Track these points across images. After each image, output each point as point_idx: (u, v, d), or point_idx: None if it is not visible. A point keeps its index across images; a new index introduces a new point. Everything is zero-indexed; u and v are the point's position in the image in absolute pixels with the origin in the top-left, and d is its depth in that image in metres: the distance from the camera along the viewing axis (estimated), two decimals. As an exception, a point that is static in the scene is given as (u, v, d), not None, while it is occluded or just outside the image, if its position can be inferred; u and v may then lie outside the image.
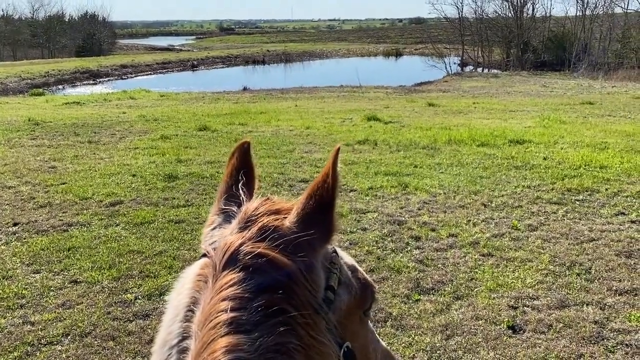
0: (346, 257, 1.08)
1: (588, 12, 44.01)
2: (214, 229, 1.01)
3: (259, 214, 0.95)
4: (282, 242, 0.90)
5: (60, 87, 32.96)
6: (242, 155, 1.11)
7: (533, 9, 47.11)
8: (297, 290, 0.87)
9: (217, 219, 1.03)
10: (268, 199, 0.99)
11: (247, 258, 0.87)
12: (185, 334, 0.86)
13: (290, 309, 0.84)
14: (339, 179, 0.96)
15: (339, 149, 0.96)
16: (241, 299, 0.83)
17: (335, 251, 1.02)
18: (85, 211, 6.17)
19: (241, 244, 0.89)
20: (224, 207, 1.03)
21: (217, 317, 0.82)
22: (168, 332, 0.89)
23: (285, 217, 0.95)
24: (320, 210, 0.94)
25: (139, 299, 4.25)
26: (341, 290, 0.99)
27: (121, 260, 4.92)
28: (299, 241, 0.91)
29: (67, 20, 71.06)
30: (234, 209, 1.01)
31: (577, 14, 45.37)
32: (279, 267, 0.87)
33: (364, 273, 1.11)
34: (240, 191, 1.04)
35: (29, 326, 3.87)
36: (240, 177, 1.07)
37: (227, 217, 1.01)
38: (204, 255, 0.95)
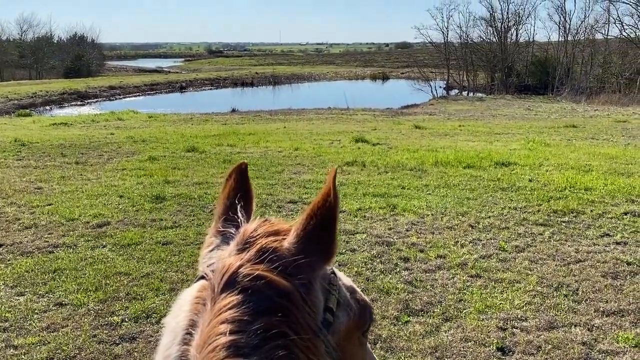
0: (344, 278, 1.09)
1: (570, 38, 45.09)
2: (211, 250, 1.01)
3: (257, 235, 0.94)
4: (281, 263, 0.89)
5: (47, 108, 32.77)
6: (239, 177, 1.11)
7: (517, 34, 48.21)
8: (296, 313, 0.87)
9: (215, 240, 1.03)
10: (266, 220, 0.99)
11: (245, 280, 0.87)
12: (183, 357, 0.85)
13: (290, 332, 0.84)
14: (339, 199, 0.96)
15: (336, 170, 0.97)
16: (240, 322, 0.82)
17: (333, 272, 1.02)
18: (71, 232, 6.10)
19: (240, 266, 0.88)
20: (222, 228, 1.03)
21: (216, 340, 0.81)
22: (166, 356, 0.88)
23: (284, 238, 0.95)
24: (321, 231, 0.94)
25: (126, 321, 4.19)
26: (340, 312, 0.99)
27: (107, 282, 4.85)
28: (298, 262, 0.91)
29: (55, 41, 71.05)
30: (232, 230, 1.01)
31: (560, 40, 46.48)
32: (278, 289, 0.87)
33: (362, 294, 1.12)
34: (239, 213, 1.04)
35: (12, 350, 3.78)
36: (237, 199, 1.07)
37: (225, 238, 1.01)
38: (202, 277, 0.95)
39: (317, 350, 0.88)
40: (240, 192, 1.09)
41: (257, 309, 0.84)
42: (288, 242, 0.94)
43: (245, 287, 0.86)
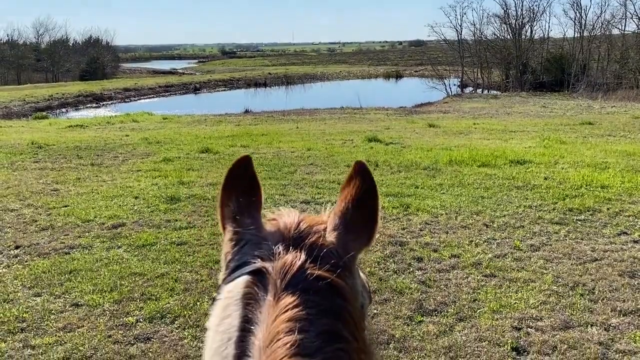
0: None
1: (586, 34, 44.48)
2: (243, 246, 1.00)
3: (302, 231, 0.97)
4: (334, 262, 0.93)
5: (63, 110, 33.23)
6: (246, 169, 1.10)
7: (531, 31, 47.64)
8: (350, 310, 0.90)
9: (242, 237, 1.01)
10: (300, 214, 1.02)
11: (308, 280, 0.89)
12: (241, 354, 0.84)
13: (348, 336, 0.87)
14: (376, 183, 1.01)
15: (363, 162, 1.02)
16: (305, 321, 0.84)
17: None
18: (87, 234, 6.18)
19: (301, 266, 0.91)
20: (248, 225, 1.02)
21: (285, 337, 0.82)
22: (223, 357, 0.86)
23: (326, 232, 0.98)
24: (362, 218, 0.99)
25: (141, 322, 4.23)
26: (364, 292, 1.03)
27: (123, 282, 4.90)
28: (346, 257, 0.95)
29: (71, 44, 72.02)
30: (259, 227, 1.02)
31: (575, 36, 45.88)
32: (336, 289, 0.90)
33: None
34: (256, 206, 1.06)
35: (29, 350, 3.84)
36: (249, 192, 1.07)
37: (257, 235, 1.00)
38: (251, 272, 0.93)
39: (370, 350, 0.92)
40: (250, 184, 1.09)
41: (319, 309, 0.86)
42: (333, 236, 0.98)
43: (306, 287, 0.88)
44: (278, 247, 0.95)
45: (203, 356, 0.94)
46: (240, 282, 0.93)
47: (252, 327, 0.85)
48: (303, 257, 0.92)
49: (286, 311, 0.84)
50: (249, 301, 0.89)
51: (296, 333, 0.82)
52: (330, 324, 0.85)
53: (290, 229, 0.98)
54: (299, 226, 0.98)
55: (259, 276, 0.92)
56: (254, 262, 0.94)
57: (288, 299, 0.86)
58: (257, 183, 1.10)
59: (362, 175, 1.00)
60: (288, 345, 0.81)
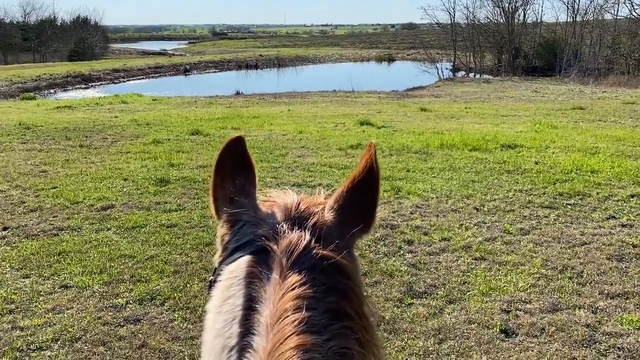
0: None
1: (578, 19, 44.40)
2: (241, 227, 0.99)
3: (304, 211, 0.98)
4: (337, 242, 0.94)
5: (51, 91, 32.75)
6: (239, 151, 1.08)
7: (524, 15, 47.44)
8: (355, 290, 0.91)
9: (241, 218, 1.01)
10: (298, 195, 1.03)
11: (314, 259, 0.90)
12: (246, 332, 0.84)
13: (353, 314, 0.88)
14: (379, 171, 1.01)
15: (374, 144, 1.01)
16: (312, 299, 0.84)
17: None
18: (76, 215, 6.12)
19: (306, 246, 0.91)
20: (245, 206, 1.02)
21: (292, 314, 0.82)
22: (227, 337, 0.86)
23: (328, 213, 0.99)
24: (365, 205, 1.00)
25: (130, 303, 4.22)
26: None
27: (112, 264, 4.88)
28: (347, 238, 0.97)
29: (59, 24, 70.80)
30: (257, 206, 1.02)
31: (568, 20, 45.78)
32: (341, 269, 0.91)
33: None
34: (251, 186, 1.05)
35: (18, 331, 3.82)
36: (243, 174, 1.07)
37: (254, 213, 1.00)
38: (254, 252, 0.93)
39: (372, 328, 0.93)
40: (244, 164, 1.08)
41: (325, 287, 0.87)
42: (334, 216, 0.98)
43: (312, 266, 0.89)
44: (282, 226, 0.95)
45: (203, 340, 0.92)
46: (242, 262, 0.93)
47: (257, 306, 0.85)
48: (308, 236, 0.92)
49: (293, 289, 0.85)
50: (253, 280, 0.89)
51: (304, 311, 0.82)
52: (336, 302, 0.86)
53: (292, 209, 0.98)
54: (299, 206, 0.98)
55: (263, 255, 0.91)
56: (258, 242, 0.93)
57: (295, 277, 0.86)
58: (251, 163, 1.09)
59: (367, 158, 1.00)
60: (296, 322, 0.81)
